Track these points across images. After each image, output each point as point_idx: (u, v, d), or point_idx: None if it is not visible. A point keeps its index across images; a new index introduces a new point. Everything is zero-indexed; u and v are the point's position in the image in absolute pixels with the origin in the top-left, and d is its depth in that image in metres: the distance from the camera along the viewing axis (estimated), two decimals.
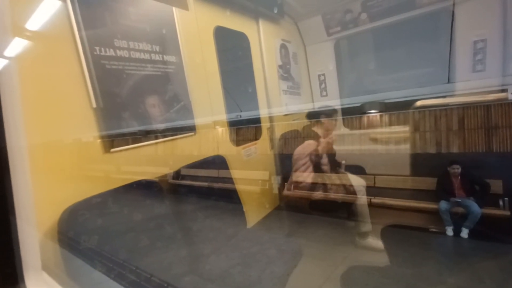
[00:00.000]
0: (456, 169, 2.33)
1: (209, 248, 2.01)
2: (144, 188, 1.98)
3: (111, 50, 1.85)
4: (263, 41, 3.23)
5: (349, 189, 2.45)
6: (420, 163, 2.74)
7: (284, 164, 3.24)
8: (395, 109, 2.83)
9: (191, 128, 2.40)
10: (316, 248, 2.45)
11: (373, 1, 3.13)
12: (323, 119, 2.56)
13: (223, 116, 2.77)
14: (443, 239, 2.33)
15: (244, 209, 2.46)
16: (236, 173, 2.58)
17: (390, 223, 2.47)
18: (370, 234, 2.35)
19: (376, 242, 2.32)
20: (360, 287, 1.88)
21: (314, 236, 2.66)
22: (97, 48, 1.77)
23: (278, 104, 3.45)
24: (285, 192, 2.74)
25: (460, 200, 2.25)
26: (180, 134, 2.32)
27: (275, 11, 3.29)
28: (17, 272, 1.13)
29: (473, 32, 2.59)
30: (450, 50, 2.68)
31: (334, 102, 3.88)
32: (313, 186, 2.47)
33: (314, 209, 2.65)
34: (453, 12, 2.65)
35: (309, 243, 2.49)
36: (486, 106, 2.47)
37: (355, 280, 1.98)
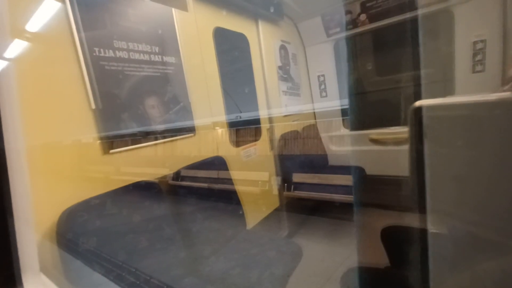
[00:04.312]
0: None
1: (208, 249, 2.00)
2: (144, 189, 1.97)
3: (111, 51, 1.85)
4: (263, 42, 3.23)
5: None
6: None
7: (284, 164, 3.24)
8: None
9: (191, 129, 2.40)
10: (317, 249, 2.44)
11: (373, 2, 3.13)
12: None
13: (222, 117, 2.77)
14: None
15: (244, 210, 2.45)
16: (235, 174, 2.57)
17: None
18: None
19: None
20: None
21: (314, 237, 2.65)
22: (96, 49, 1.76)
23: (278, 105, 3.45)
24: None
25: None
26: (180, 135, 2.31)
27: (274, 12, 3.29)
28: (15, 274, 1.13)
29: (472, 33, 2.59)
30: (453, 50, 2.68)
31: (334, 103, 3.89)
32: None
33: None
34: (452, 12, 2.65)
35: (310, 244, 2.48)
36: None
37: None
